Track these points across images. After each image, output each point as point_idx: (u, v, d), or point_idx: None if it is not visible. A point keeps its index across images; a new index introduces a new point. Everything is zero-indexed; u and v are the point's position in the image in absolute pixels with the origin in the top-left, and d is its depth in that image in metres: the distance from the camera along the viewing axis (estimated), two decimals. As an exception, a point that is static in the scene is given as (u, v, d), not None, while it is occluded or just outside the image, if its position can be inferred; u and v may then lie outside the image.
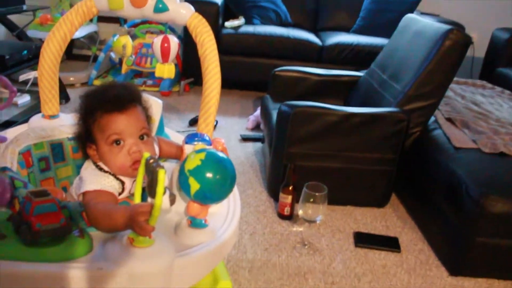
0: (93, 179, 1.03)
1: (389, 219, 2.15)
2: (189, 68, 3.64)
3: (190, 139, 1.09)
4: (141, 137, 1.06)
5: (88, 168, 1.07)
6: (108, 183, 1.03)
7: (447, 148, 2.01)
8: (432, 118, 2.26)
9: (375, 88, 2.44)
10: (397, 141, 2.09)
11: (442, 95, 2.18)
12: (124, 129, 1.03)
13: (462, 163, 1.87)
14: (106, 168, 1.05)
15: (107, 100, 1.03)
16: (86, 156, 1.11)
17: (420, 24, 2.37)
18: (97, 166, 1.06)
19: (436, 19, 2.39)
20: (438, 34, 2.11)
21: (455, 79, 2.30)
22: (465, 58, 2.14)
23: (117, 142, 1.03)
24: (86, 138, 1.07)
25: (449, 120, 2.25)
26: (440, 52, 2.07)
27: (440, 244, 1.92)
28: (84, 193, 1.01)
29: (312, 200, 1.76)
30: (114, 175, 1.05)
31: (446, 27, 2.11)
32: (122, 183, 1.06)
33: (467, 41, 2.08)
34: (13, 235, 0.85)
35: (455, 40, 2.06)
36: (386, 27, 3.43)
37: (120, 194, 1.06)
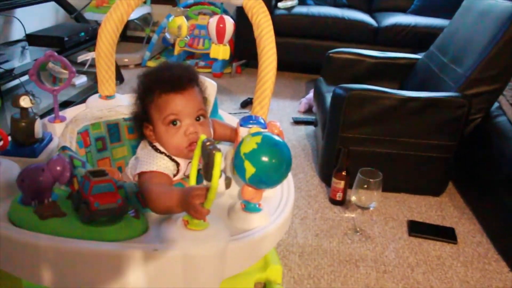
0: (149, 160, 1.03)
1: (445, 208, 2.07)
2: (241, 49, 3.62)
3: (245, 121, 1.07)
4: (198, 118, 1.05)
5: (144, 149, 1.07)
6: (164, 165, 1.03)
7: (512, 136, 1.90)
8: (496, 104, 2.14)
9: (434, 71, 2.33)
10: (456, 127, 1.99)
11: (508, 80, 2.05)
12: (182, 109, 1.02)
13: (528, 153, 1.77)
14: (162, 149, 1.06)
15: (166, 80, 1.03)
16: (141, 137, 1.12)
17: (485, 3, 2.23)
18: (153, 147, 1.06)
19: (503, -2, 2.25)
20: (507, 14, 1.97)
21: (522, 62, 2.17)
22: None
23: (174, 122, 1.03)
24: (143, 118, 1.07)
25: (514, 106, 2.13)
26: (508, 33, 1.94)
27: (500, 238, 1.83)
28: (139, 174, 1.02)
29: (366, 186, 1.72)
30: (170, 156, 1.05)
31: (515, 6, 1.98)
32: (177, 164, 1.05)
33: (539, 21, 1.94)
34: (72, 213, 0.87)
35: (526, 20, 1.93)
36: (447, 7, 3.26)
37: (174, 175, 1.06)
